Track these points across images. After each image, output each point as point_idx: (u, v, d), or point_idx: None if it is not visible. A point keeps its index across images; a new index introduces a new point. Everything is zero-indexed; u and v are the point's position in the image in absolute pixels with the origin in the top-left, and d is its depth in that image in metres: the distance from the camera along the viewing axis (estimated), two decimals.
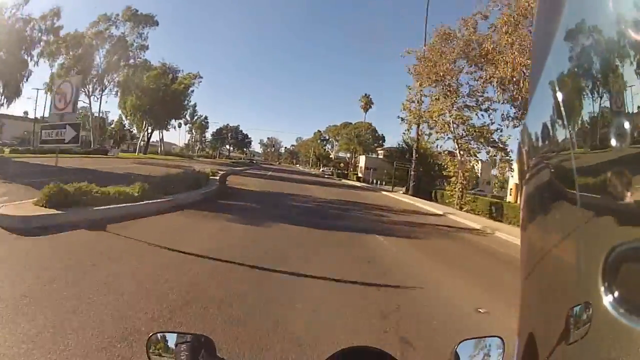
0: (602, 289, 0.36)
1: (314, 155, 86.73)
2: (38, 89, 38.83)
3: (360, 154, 61.54)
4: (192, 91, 46.77)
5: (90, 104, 38.25)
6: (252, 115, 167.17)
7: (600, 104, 0.39)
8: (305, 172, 54.78)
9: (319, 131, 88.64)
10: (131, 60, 38.57)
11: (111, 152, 42.04)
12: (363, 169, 52.50)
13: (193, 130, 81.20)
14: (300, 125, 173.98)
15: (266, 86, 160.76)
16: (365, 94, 63.51)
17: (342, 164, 64.50)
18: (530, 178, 0.51)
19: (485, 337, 0.77)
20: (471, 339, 0.76)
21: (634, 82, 0.36)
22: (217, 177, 16.16)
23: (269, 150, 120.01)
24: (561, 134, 0.45)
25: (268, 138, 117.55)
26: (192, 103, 53.95)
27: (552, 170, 0.47)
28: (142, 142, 48.07)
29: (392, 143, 67.22)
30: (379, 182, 38.79)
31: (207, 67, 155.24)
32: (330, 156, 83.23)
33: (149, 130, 46.90)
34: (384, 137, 70.80)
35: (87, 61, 35.42)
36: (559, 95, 0.45)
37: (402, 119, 19.44)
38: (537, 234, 0.50)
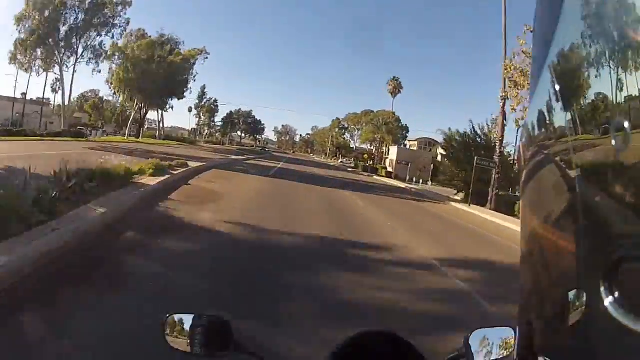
0: (602, 288, 0.34)
1: (332, 144, 78.21)
2: (17, 67, 32.09)
3: (387, 145, 52.82)
4: (193, 64, 38.89)
5: (61, 74, 30.63)
6: (266, 101, 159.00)
7: (601, 90, 0.38)
8: (322, 164, 46.52)
9: (338, 119, 79.89)
10: (110, 20, 30.78)
11: (95, 134, 35.47)
12: (394, 162, 43.80)
13: (201, 114, 73.82)
14: (317, 112, 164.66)
15: (283, 70, 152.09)
16: (394, 77, 54.61)
17: (365, 155, 55.79)
18: (529, 169, 0.50)
19: (497, 327, 0.75)
20: (483, 328, 0.74)
21: (635, 67, 0.34)
22: (163, 179, 8.27)
23: (283, 138, 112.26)
24: (559, 122, 0.44)
25: (283, 126, 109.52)
26: (198, 82, 46.15)
27: (551, 160, 0.45)
28: (138, 124, 41.31)
29: (415, 135, 58.66)
30: (420, 180, 30.37)
31: (220, 48, 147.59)
32: (351, 146, 74.69)
33: (143, 110, 39.98)
34: (407, 127, 62.87)
35: (57, 21, 27.90)
36: (559, 86, 0.43)
37: (515, 83, 10.94)
38: (536, 226, 0.48)
